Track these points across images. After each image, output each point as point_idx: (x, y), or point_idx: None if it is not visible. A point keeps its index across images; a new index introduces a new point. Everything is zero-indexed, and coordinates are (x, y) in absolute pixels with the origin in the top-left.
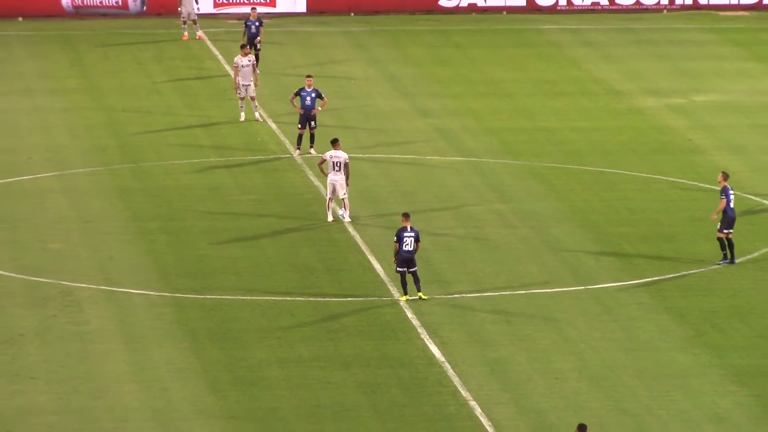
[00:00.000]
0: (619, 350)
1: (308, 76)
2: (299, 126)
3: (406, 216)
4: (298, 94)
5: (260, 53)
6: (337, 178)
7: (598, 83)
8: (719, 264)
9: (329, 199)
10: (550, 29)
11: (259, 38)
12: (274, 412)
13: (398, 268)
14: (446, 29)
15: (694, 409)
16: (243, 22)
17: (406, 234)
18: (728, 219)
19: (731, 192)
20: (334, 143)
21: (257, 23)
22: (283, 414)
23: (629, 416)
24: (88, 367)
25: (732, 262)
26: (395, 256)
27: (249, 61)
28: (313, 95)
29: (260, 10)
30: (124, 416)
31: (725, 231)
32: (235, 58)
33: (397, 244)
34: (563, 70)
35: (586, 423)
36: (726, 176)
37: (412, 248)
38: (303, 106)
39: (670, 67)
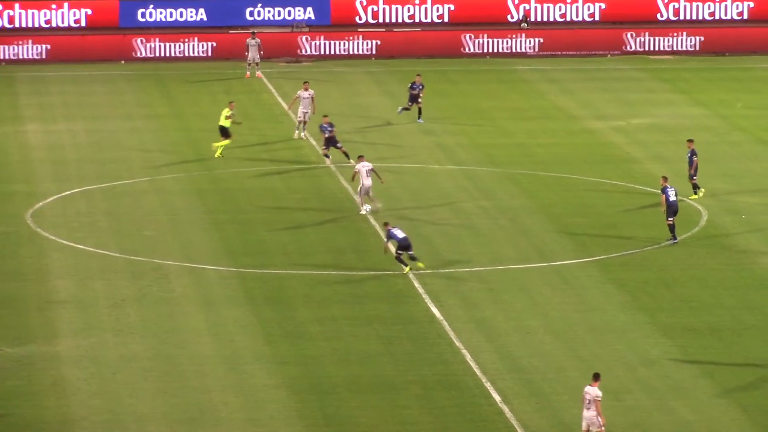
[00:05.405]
0: (574, 311)
1: (324, 116)
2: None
3: (386, 224)
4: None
5: (421, 107)
6: (369, 182)
7: (559, 110)
8: (670, 243)
9: (362, 196)
10: (522, 69)
11: (421, 97)
12: (315, 359)
13: (397, 252)
14: (444, 69)
15: (632, 355)
16: (409, 85)
17: (394, 230)
18: (670, 210)
19: (669, 189)
20: (361, 158)
21: (420, 86)
22: (322, 360)
23: (582, 361)
24: (174, 324)
25: (674, 240)
26: (386, 250)
27: (309, 94)
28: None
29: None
30: (201, 361)
31: (670, 219)
32: (298, 92)
33: (390, 240)
34: (532, 100)
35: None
36: (665, 179)
37: (405, 235)
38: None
39: (612, 98)
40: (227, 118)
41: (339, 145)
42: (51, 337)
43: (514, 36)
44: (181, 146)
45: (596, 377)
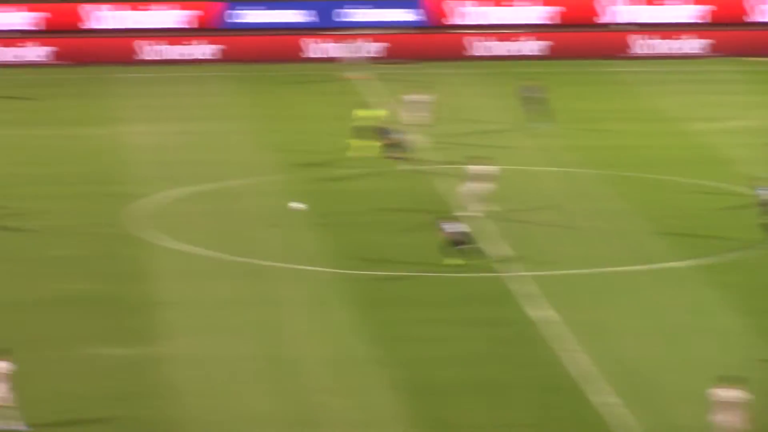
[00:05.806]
0: (683, 313)
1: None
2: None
3: (439, 219)
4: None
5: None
6: (475, 185)
7: (656, 112)
8: None
9: (466, 198)
10: (619, 71)
11: (539, 100)
12: (418, 361)
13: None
14: (549, 72)
15: (741, 358)
16: (523, 90)
17: (446, 224)
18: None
19: (761, 189)
20: (474, 159)
21: (536, 90)
22: (424, 361)
23: (689, 363)
24: (280, 326)
25: None
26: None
27: (417, 99)
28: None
29: None
30: (308, 363)
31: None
32: (405, 96)
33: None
34: (630, 102)
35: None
36: (759, 180)
37: (454, 230)
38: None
39: (709, 100)
40: (369, 118)
41: (394, 143)
42: (157, 338)
43: (607, 37)
44: (284, 147)
45: (729, 380)
